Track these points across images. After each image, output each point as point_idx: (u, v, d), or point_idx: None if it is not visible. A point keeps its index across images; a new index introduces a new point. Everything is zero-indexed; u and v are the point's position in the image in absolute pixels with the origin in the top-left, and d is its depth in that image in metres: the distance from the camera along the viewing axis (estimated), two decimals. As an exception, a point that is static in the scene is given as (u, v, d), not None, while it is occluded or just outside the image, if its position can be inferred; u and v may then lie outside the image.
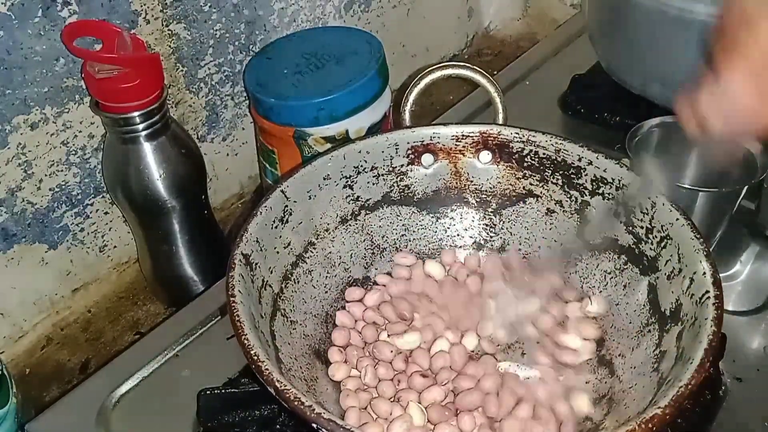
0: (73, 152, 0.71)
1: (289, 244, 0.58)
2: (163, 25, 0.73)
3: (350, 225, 0.63)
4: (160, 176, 0.70)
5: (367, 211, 0.63)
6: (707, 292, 0.49)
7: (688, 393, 0.44)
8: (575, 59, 0.92)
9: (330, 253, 0.61)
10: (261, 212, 0.56)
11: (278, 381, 0.45)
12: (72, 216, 0.73)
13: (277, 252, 0.57)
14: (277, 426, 0.56)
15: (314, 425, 0.44)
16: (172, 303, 0.79)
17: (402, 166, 0.63)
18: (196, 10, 0.75)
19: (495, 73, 0.97)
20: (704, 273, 0.51)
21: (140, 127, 0.67)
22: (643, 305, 0.56)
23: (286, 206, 0.58)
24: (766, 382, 0.59)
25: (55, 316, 0.76)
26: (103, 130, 0.71)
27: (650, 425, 0.43)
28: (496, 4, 1.15)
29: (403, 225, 0.65)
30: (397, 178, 0.63)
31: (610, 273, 0.59)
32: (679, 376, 0.45)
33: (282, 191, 0.58)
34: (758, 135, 0.48)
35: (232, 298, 0.50)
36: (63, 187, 0.72)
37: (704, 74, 0.47)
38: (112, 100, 0.66)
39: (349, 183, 0.62)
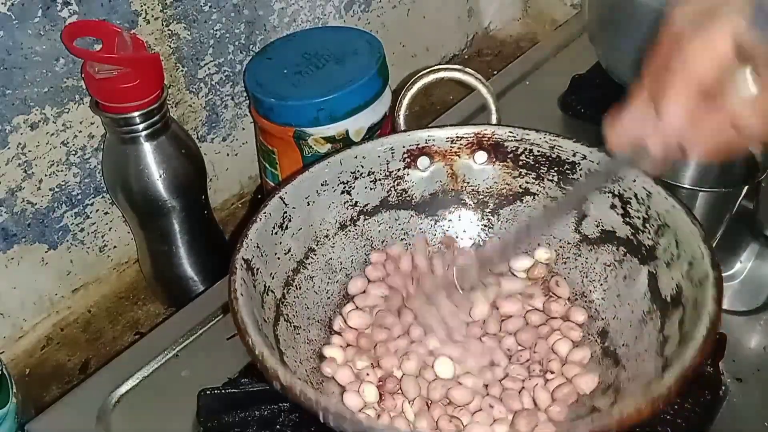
0: (73, 152, 0.71)
1: (289, 251, 0.59)
2: (163, 25, 0.73)
3: (350, 230, 0.63)
4: (160, 176, 0.70)
5: (366, 216, 0.63)
6: (707, 273, 0.50)
7: (692, 371, 0.45)
8: (575, 59, 0.92)
9: (331, 259, 0.61)
10: (260, 218, 0.56)
11: (283, 376, 0.45)
12: (72, 216, 0.73)
13: (278, 258, 0.57)
14: (277, 426, 0.56)
15: (321, 419, 0.44)
16: (172, 303, 0.79)
17: (399, 170, 0.63)
18: (196, 10, 0.75)
19: (495, 73, 0.97)
20: (703, 256, 0.51)
21: (140, 127, 0.68)
22: (644, 294, 0.56)
23: (285, 213, 0.58)
24: (766, 382, 0.59)
25: (55, 316, 0.76)
26: (103, 130, 0.71)
27: (655, 403, 0.43)
28: (496, 4, 1.14)
29: (402, 229, 0.64)
30: (394, 182, 0.63)
31: (609, 265, 0.59)
32: (683, 355, 0.46)
33: (281, 198, 0.58)
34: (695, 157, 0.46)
35: (234, 297, 0.50)
36: (63, 187, 0.72)
37: (636, 92, 0.45)
38: (112, 100, 0.66)
39: (347, 188, 0.62)
